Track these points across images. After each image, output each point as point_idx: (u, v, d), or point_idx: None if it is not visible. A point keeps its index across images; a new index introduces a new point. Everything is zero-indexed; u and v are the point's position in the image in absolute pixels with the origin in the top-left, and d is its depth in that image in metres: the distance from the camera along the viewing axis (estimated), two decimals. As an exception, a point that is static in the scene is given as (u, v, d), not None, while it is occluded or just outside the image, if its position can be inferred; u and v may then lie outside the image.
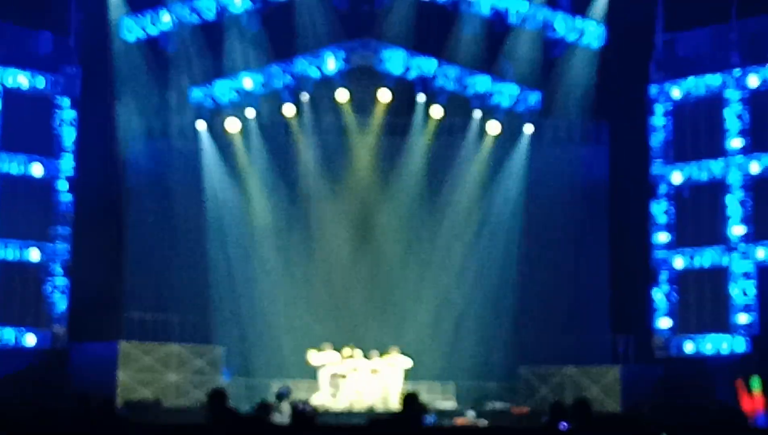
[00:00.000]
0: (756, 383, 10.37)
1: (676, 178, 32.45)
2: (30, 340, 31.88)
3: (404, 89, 33.46)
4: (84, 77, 32.86)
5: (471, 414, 28.97)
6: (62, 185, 32.69)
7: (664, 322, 32.16)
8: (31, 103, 32.61)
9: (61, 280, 32.40)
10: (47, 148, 32.78)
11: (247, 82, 33.29)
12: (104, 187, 32.73)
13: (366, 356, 30.07)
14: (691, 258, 32.17)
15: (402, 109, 33.80)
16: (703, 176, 32.04)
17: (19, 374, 29.85)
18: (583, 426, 14.17)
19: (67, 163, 32.77)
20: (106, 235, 32.68)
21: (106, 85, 32.42)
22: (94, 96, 32.60)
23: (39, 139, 32.69)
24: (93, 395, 26.51)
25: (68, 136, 32.90)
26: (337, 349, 30.08)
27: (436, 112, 33.66)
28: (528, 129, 33.84)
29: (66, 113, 32.94)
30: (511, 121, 33.94)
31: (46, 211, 32.72)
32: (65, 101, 32.95)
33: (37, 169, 32.46)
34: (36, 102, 32.77)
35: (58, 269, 32.40)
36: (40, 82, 32.67)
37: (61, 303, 32.31)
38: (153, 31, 32.66)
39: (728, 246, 31.31)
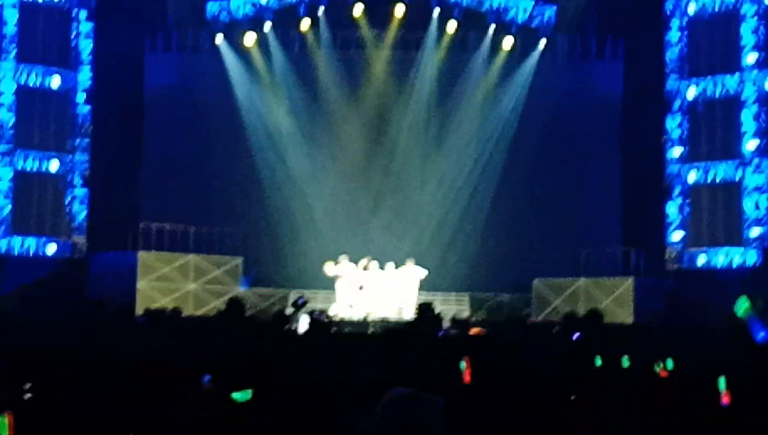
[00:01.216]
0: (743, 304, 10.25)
1: (691, 92, 32.50)
2: (51, 249, 32.37)
3: (420, 3, 33.47)
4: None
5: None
6: (80, 97, 32.90)
7: (676, 236, 32.43)
8: (48, 15, 32.73)
9: (80, 191, 32.78)
10: (65, 60, 32.96)
11: (263, -5, 33.36)
12: (122, 99, 33.01)
13: (382, 267, 30.42)
14: (705, 172, 32.33)
15: (417, 23, 33.85)
16: (718, 91, 32.08)
17: (40, 282, 30.40)
18: (595, 336, 14.51)
19: (84, 75, 32.95)
20: (125, 146, 33.01)
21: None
22: (111, 8, 32.66)
23: (56, 51, 32.87)
24: (111, 301, 27.16)
25: (85, 48, 33.02)
26: (354, 260, 30.43)
27: (451, 26, 33.69)
28: (542, 44, 33.81)
29: (83, 25, 33.03)
30: (526, 36, 33.95)
31: (64, 123, 33.01)
32: (82, 13, 33.02)
33: (55, 81, 32.68)
34: (53, 14, 32.87)
35: (77, 180, 32.76)
36: (57, -6, 32.80)
37: (80, 213, 32.71)
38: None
39: (742, 160, 31.44)
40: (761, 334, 10.52)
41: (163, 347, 12.84)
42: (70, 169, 32.71)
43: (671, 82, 32.61)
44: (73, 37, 33.02)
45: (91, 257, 31.86)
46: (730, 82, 31.74)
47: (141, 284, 29.87)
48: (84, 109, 32.87)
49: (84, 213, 32.71)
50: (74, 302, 27.85)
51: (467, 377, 10.75)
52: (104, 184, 32.50)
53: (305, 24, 33.80)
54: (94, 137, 32.81)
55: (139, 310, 28.26)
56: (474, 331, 28.04)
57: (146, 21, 33.29)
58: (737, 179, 31.59)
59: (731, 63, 31.82)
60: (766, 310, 10.84)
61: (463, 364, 10.82)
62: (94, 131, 32.83)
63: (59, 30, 32.87)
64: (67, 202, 32.73)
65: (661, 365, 11.40)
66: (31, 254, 32.03)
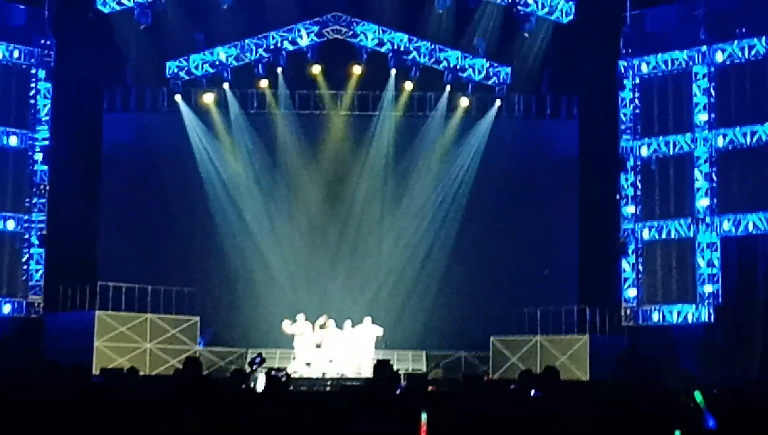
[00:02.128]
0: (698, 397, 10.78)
1: (644, 151, 32.96)
2: (6, 308, 32.14)
3: (377, 63, 33.83)
4: (59, 49, 32.96)
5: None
6: (38, 156, 32.84)
7: (631, 293, 32.73)
8: (6, 74, 32.73)
9: (36, 250, 32.63)
10: (22, 119, 32.93)
11: (222, 55, 33.60)
12: (80, 158, 33.02)
13: (339, 326, 30.48)
14: (659, 230, 32.72)
15: (375, 83, 34.21)
16: (671, 150, 32.56)
17: (-5, 343, 30.17)
18: (551, 393, 14.60)
19: (42, 134, 32.93)
20: (82, 206, 32.95)
21: (81, 57, 32.54)
22: (69, 68, 32.74)
23: (14, 110, 32.84)
24: (66, 364, 26.94)
25: (43, 107, 33.04)
26: (311, 318, 30.47)
27: (408, 85, 34.07)
28: (497, 103, 34.22)
29: (41, 84, 33.07)
30: (482, 96, 34.41)
31: (21, 182, 32.89)
32: (41, 72, 33.07)
33: (12, 141, 32.64)
34: (11, 73, 32.88)
35: (33, 239, 32.61)
36: (16, 54, 32.81)
37: (36, 272, 32.55)
38: (128, 3, 32.80)
39: (694, 218, 31.85)
40: (710, 422, 11.30)
41: (120, 407, 12.80)
42: (27, 229, 32.58)
43: (625, 141, 33.04)
44: (31, 96, 33.02)
45: (47, 317, 31.67)
46: (683, 140, 32.21)
47: (98, 344, 29.74)
48: (41, 168, 32.79)
49: (40, 272, 32.55)
50: (31, 364, 27.66)
51: (423, 431, 10.83)
52: (61, 243, 32.36)
53: (263, 83, 34.05)
54: (51, 196, 32.71)
55: (96, 370, 28.12)
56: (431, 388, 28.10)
57: (105, 80, 33.37)
58: (690, 236, 31.97)
59: (683, 122, 32.32)
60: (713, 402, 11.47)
61: (424, 416, 10.90)
62: (51, 190, 32.73)
63: (17, 89, 32.87)
64: (23, 262, 32.56)
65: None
66: (-14, 314, 31.80)
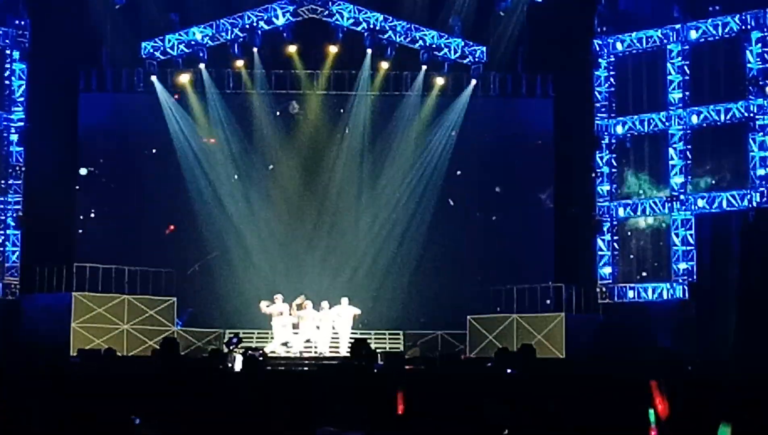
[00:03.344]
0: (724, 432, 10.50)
1: (619, 129, 33.12)
2: (-18, 291, 32.09)
3: (353, 43, 33.81)
4: (33, 29, 32.81)
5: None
6: (13, 137, 32.73)
7: (606, 270, 32.94)
8: (-19, 56, 32.59)
9: (12, 232, 32.54)
10: (-3, 100, 32.83)
11: (197, 35, 33.54)
12: (55, 139, 32.88)
13: (316, 306, 30.55)
14: (633, 208, 32.92)
15: (351, 62, 34.18)
16: (646, 128, 32.73)
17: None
18: (527, 371, 14.75)
19: (17, 115, 32.80)
20: (58, 187, 32.84)
21: (56, 37, 32.42)
22: (44, 48, 32.61)
23: (-11, 91, 32.74)
24: (43, 346, 26.97)
25: (18, 88, 32.91)
26: (288, 299, 30.54)
27: (384, 65, 34.09)
28: (473, 82, 34.27)
29: (16, 65, 32.93)
30: (458, 75, 34.44)
31: (-3, 164, 32.81)
32: (15, 53, 32.91)
33: (-13, 122, 32.53)
34: (-15, 54, 32.76)
35: (9, 221, 32.52)
36: (-10, 34, 32.69)
37: (13, 254, 32.49)
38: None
39: (670, 195, 32.05)
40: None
41: (97, 387, 12.87)
42: (3, 210, 32.48)
43: (600, 120, 33.20)
44: (5, 76, 32.88)
45: (23, 298, 31.62)
46: (657, 118, 32.39)
47: (75, 325, 29.74)
48: (17, 150, 32.69)
49: (17, 254, 32.47)
50: (8, 346, 27.71)
51: (400, 408, 10.93)
52: (37, 224, 32.28)
53: (239, 63, 34.01)
54: (26, 177, 32.62)
55: (74, 351, 28.17)
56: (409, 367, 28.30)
57: (80, 60, 33.25)
58: (666, 213, 32.18)
59: (658, 100, 32.50)
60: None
61: (401, 395, 10.99)
62: (27, 171, 32.63)
63: (-8, 70, 32.75)
64: (-1, 244, 32.50)
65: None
66: (-38, 296, 31.73)
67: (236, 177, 34.45)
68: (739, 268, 30.10)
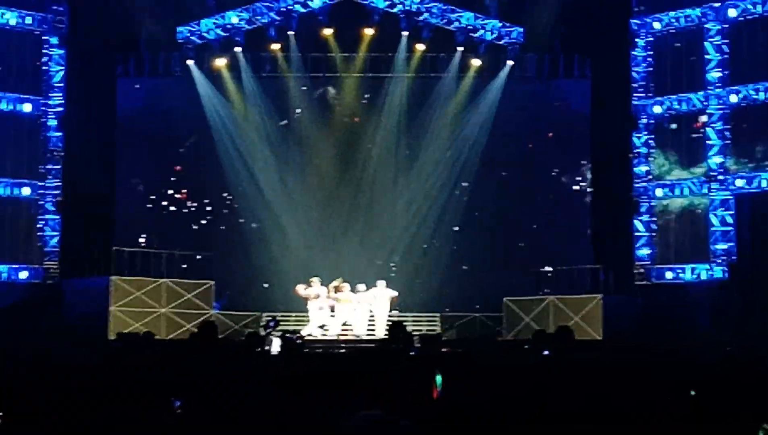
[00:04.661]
0: None
1: (657, 109, 32.91)
2: (22, 275, 32.36)
3: (389, 25, 33.74)
4: (71, 15, 32.99)
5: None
6: (52, 123, 32.97)
7: (644, 252, 32.78)
8: (20, 41, 32.83)
9: (52, 217, 32.80)
10: (36, 86, 33.05)
11: (233, 19, 33.59)
12: (94, 124, 33.09)
13: (353, 289, 30.56)
14: (671, 188, 32.74)
15: (387, 44, 34.11)
16: (684, 108, 32.51)
17: (13, 308, 30.38)
18: (564, 352, 14.67)
19: (56, 101, 33.03)
20: (96, 172, 33.04)
21: (94, 23, 32.57)
22: (82, 34, 32.79)
23: (28, 77, 32.97)
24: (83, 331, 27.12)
25: (57, 73, 33.13)
26: (325, 282, 30.57)
27: (420, 47, 34.00)
28: (509, 63, 34.11)
29: (54, 51, 33.14)
30: (495, 56, 34.29)
31: (36, 149, 33.07)
32: (53, 39, 33.12)
33: (26, 107, 32.75)
34: (24, 40, 32.97)
35: (49, 206, 32.77)
36: (29, 20, 32.87)
37: (52, 239, 32.74)
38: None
39: (708, 176, 31.83)
40: None
41: (136, 370, 12.94)
42: (42, 195, 32.74)
43: (638, 100, 33.00)
44: (44, 62, 33.11)
45: (63, 283, 31.87)
46: (695, 98, 32.16)
47: (113, 309, 29.92)
48: (55, 135, 32.92)
49: (56, 238, 32.74)
50: (50, 329, 27.91)
51: (435, 393, 10.92)
52: (76, 209, 32.52)
53: (275, 46, 34.02)
54: (65, 163, 32.87)
55: (112, 335, 28.34)
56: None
57: (118, 46, 33.40)
58: (704, 194, 32.00)
59: (696, 79, 32.26)
60: None
61: (439, 379, 10.97)
62: (66, 157, 32.88)
63: (31, 56, 32.99)
64: (39, 228, 32.73)
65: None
66: (3, 280, 31.99)
67: (273, 160, 34.45)
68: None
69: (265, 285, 33.52)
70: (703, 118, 32.16)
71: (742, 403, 10.71)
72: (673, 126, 32.86)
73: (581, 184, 34.32)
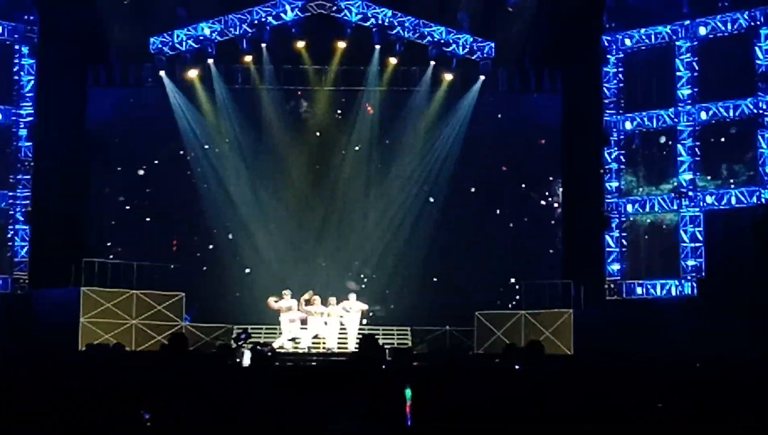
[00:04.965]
0: None
1: (628, 125, 33.10)
2: (-9, 285, 32.20)
3: (361, 38, 33.80)
4: (42, 25, 32.87)
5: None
6: (22, 132, 32.81)
7: (615, 267, 32.92)
8: (-10, 51, 32.70)
9: (21, 227, 32.62)
10: (6, 95, 32.89)
11: (206, 30, 33.56)
12: (64, 134, 32.96)
13: (324, 302, 30.54)
14: (642, 204, 32.91)
15: (359, 58, 34.17)
16: (654, 124, 32.72)
17: (-20, 319, 30.20)
18: (535, 367, 14.71)
19: (26, 110, 32.88)
20: (67, 182, 32.93)
21: (65, 33, 32.48)
22: (53, 43, 32.67)
23: (-1, 86, 32.85)
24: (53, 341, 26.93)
25: (27, 83, 32.99)
26: (296, 294, 30.53)
27: (393, 60, 34.07)
28: (481, 78, 34.21)
29: (25, 60, 33.01)
30: (466, 70, 34.38)
31: (6, 158, 32.90)
32: (24, 48, 32.98)
33: (-4, 117, 32.64)
34: (-6, 50, 32.87)
35: (18, 216, 32.60)
36: (-1, 29, 32.79)
37: (22, 249, 32.57)
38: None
39: (678, 192, 32.01)
40: None
41: (105, 382, 12.88)
42: (12, 205, 32.57)
43: (609, 115, 33.19)
44: (15, 72, 32.97)
45: (33, 293, 31.68)
46: (666, 115, 32.36)
47: (83, 320, 29.77)
48: (26, 144, 32.76)
49: (26, 249, 32.56)
50: (19, 340, 27.73)
51: (408, 409, 10.91)
52: (46, 219, 32.37)
53: (248, 58, 34.01)
54: (35, 172, 32.71)
55: (82, 346, 28.19)
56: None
57: (89, 56, 33.29)
58: (674, 210, 32.19)
59: (667, 96, 32.47)
60: None
61: (408, 392, 10.97)
62: (36, 166, 32.72)
63: (1, 65, 32.81)
64: (8, 238, 32.55)
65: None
66: (-28, 291, 31.83)
67: (245, 172, 34.42)
68: (748, 265, 29.98)
69: (237, 294, 33.46)
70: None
71: (709, 418, 10.78)
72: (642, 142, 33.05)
73: (552, 198, 34.49)
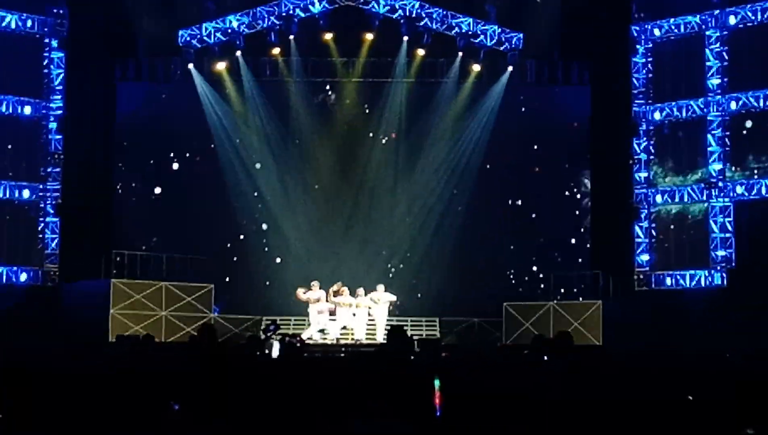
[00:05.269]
0: None
1: (657, 116, 32.96)
2: (22, 277, 32.38)
3: (389, 30, 33.79)
4: (71, 18, 33.02)
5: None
6: (52, 126, 33.00)
7: (644, 258, 32.81)
8: (20, 44, 32.86)
9: (52, 219, 32.83)
10: (36, 88, 33.08)
11: (234, 23, 33.64)
12: (94, 127, 33.13)
13: (352, 293, 30.58)
14: (671, 195, 32.77)
15: (387, 50, 34.15)
16: (683, 114, 32.56)
17: (12, 311, 30.38)
18: (564, 358, 14.67)
19: (56, 104, 33.06)
20: (96, 174, 33.10)
21: (94, 26, 32.63)
22: (82, 37, 32.82)
23: (28, 80, 32.99)
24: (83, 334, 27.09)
25: (57, 76, 33.16)
26: (325, 286, 30.59)
27: (420, 52, 34.04)
28: (509, 69, 34.14)
29: (54, 54, 33.18)
30: (494, 61, 34.31)
31: (36, 152, 33.12)
32: (54, 42, 33.16)
33: (26, 110, 32.80)
34: (24, 43, 33.01)
35: (49, 208, 32.80)
36: (29, 23, 32.92)
37: (52, 242, 32.77)
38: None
39: (707, 182, 31.86)
40: None
41: (135, 373, 12.95)
42: (42, 198, 32.77)
43: (638, 106, 33.05)
44: (44, 65, 33.16)
45: (63, 285, 31.88)
46: (695, 105, 32.21)
47: (113, 312, 29.95)
48: (56, 138, 32.95)
49: (56, 241, 32.76)
50: (49, 333, 27.90)
51: (437, 400, 10.92)
52: (76, 212, 32.54)
53: (276, 51, 34.06)
54: (65, 166, 32.89)
55: (112, 337, 28.36)
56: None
57: (117, 49, 33.42)
58: (704, 200, 32.04)
59: (696, 86, 32.31)
60: None
61: (437, 383, 10.96)
62: (66, 160, 32.90)
63: (31, 59, 33.01)
64: (39, 230, 32.76)
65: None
66: (2, 282, 32.01)
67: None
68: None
69: (267, 283, 33.56)
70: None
71: (738, 409, 10.73)
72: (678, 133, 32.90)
73: (581, 189, 34.39)
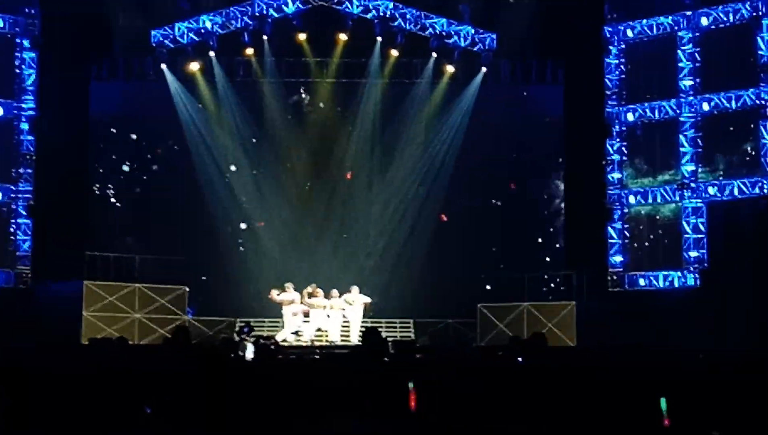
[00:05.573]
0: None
1: (630, 117, 33.07)
2: (-6, 279, 32.20)
3: (363, 30, 33.79)
4: (44, 18, 32.82)
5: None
6: (24, 126, 32.78)
7: (617, 258, 32.91)
8: (-9, 44, 32.66)
9: (24, 221, 32.62)
10: (8, 89, 32.84)
11: (207, 23, 33.53)
12: (66, 127, 32.90)
13: (326, 295, 30.55)
14: (644, 195, 32.88)
15: (361, 50, 34.15)
16: (656, 115, 32.68)
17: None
18: (538, 359, 14.70)
19: (28, 104, 32.85)
20: (69, 175, 32.89)
21: (67, 26, 32.44)
22: (55, 36, 32.63)
23: (0, 80, 32.76)
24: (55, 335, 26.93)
25: (29, 76, 32.95)
26: (299, 287, 30.55)
27: (394, 52, 34.04)
28: (483, 69, 34.19)
29: (26, 54, 32.97)
30: (468, 62, 34.35)
31: (8, 152, 32.84)
32: (25, 42, 32.94)
33: (-2, 110, 32.62)
34: (-5, 43, 32.83)
35: (21, 210, 32.59)
36: (0, 23, 32.69)
37: (24, 243, 32.57)
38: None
39: (680, 183, 31.99)
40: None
41: (108, 376, 12.89)
42: (14, 199, 32.56)
43: (610, 107, 33.15)
44: (16, 65, 32.93)
45: (35, 287, 31.69)
46: (668, 106, 32.33)
47: (86, 314, 29.81)
48: (28, 138, 32.74)
49: (28, 243, 32.55)
50: (21, 335, 27.71)
51: (412, 402, 10.92)
52: (48, 213, 32.34)
53: (249, 51, 33.99)
54: (38, 166, 32.69)
55: (85, 340, 28.21)
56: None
57: (91, 49, 33.26)
58: (677, 201, 32.17)
59: (668, 87, 32.43)
60: None
61: (411, 385, 10.96)
62: (38, 160, 32.70)
63: (2, 59, 32.75)
64: (11, 232, 32.55)
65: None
66: (-26, 284, 31.84)
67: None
68: (751, 256, 29.93)
69: (241, 285, 33.43)
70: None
71: (712, 410, 10.78)
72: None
73: (554, 190, 34.47)
